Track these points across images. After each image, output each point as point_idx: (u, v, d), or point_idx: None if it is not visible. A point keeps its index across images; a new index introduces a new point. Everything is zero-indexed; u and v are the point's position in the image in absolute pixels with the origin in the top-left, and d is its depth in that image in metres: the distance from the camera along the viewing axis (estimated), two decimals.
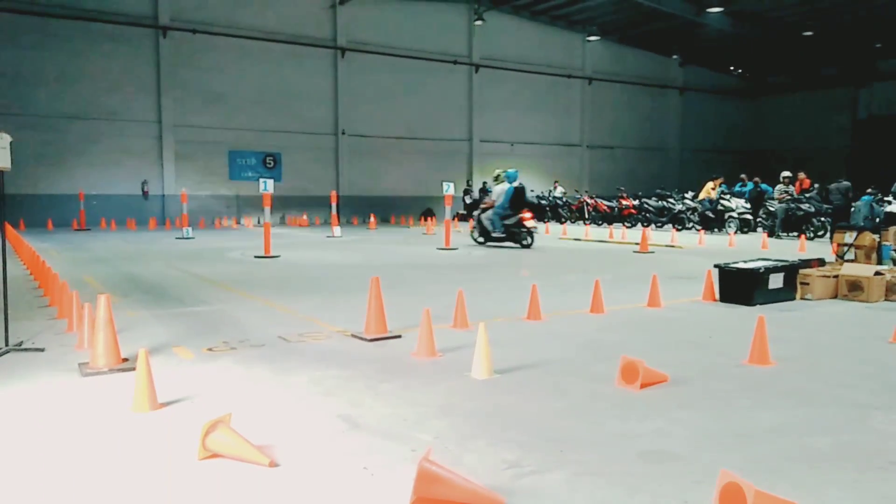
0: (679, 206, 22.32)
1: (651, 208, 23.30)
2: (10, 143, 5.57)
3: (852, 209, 15.69)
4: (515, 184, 15.92)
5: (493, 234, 15.93)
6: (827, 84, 35.63)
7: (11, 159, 5.60)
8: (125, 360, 5.11)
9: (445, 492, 2.87)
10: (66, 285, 7.20)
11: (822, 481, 3.17)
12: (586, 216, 25.89)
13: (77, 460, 3.39)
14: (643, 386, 4.58)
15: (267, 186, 13.48)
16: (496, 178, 16.30)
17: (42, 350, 5.61)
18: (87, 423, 3.92)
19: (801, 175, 20.43)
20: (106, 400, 4.34)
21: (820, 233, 18.23)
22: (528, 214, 15.59)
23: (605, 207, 25.40)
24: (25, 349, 5.61)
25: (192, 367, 5.16)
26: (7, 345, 5.59)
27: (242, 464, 3.31)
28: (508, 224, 15.68)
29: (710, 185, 21.50)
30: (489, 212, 16.03)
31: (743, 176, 23.83)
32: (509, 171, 16.19)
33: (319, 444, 3.62)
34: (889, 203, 16.97)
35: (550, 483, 3.13)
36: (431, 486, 2.86)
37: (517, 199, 15.73)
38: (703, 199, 21.33)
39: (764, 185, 21.75)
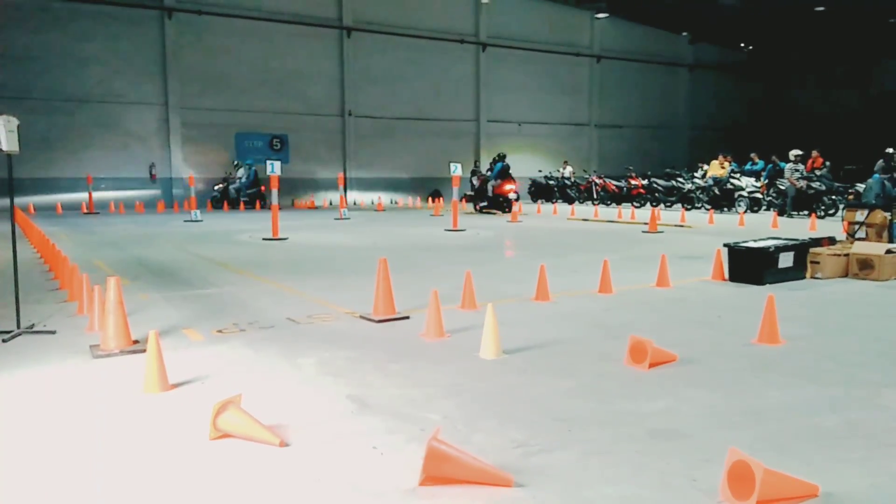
0: (688, 186, 22.15)
1: (660, 188, 23.12)
2: (18, 126, 5.57)
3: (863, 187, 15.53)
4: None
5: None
6: (839, 60, 35.08)
7: (19, 143, 5.61)
8: (136, 342, 5.15)
9: (454, 471, 2.89)
10: (76, 268, 7.24)
11: (832, 459, 3.16)
12: (595, 196, 25.74)
13: (90, 441, 3.43)
14: (652, 365, 4.57)
15: (274, 168, 13.47)
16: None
17: (53, 332, 5.66)
18: (99, 405, 3.95)
19: (815, 153, 20.16)
20: (117, 381, 4.38)
21: (831, 211, 18.07)
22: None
23: (614, 187, 25.23)
24: (37, 332, 5.66)
25: (202, 349, 5.19)
26: (19, 327, 5.63)
27: (253, 444, 3.34)
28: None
29: (715, 162, 21.29)
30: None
31: (753, 154, 23.55)
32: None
33: (329, 424, 3.64)
34: None
35: (559, 462, 3.14)
36: (440, 465, 2.88)
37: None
38: (711, 177, 21.14)
39: (782, 164, 21.49)
